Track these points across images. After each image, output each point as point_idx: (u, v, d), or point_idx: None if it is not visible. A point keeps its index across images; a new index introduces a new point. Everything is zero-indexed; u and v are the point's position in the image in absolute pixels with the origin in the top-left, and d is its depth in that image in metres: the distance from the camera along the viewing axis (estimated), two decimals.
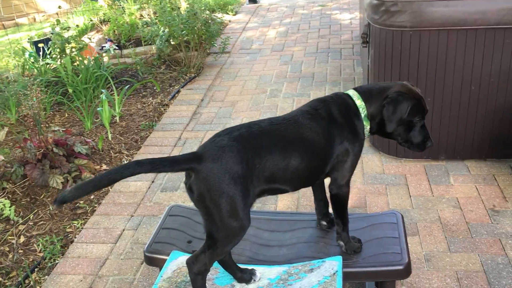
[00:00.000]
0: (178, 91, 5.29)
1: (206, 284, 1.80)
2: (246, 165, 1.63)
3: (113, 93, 4.73)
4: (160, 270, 1.97)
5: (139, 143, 4.24)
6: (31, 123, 3.77)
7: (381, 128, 1.94)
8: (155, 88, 5.35)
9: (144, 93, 5.29)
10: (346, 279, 1.97)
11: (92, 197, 3.49)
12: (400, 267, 1.94)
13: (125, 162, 3.93)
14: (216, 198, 1.60)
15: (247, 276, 1.86)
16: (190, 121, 4.59)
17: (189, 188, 1.65)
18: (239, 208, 1.61)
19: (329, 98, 1.94)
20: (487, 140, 3.48)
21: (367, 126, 1.91)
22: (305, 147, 1.76)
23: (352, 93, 1.93)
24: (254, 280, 1.85)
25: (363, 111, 1.89)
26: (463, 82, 3.33)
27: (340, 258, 1.91)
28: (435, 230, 2.90)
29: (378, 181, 3.43)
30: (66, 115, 4.78)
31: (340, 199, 1.94)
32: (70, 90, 4.84)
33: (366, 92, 1.93)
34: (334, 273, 1.82)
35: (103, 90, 4.54)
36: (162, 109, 4.90)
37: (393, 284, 2.02)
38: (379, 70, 3.52)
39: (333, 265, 1.86)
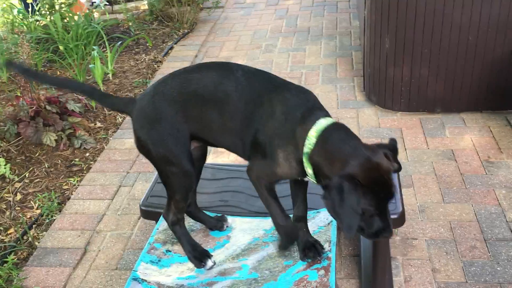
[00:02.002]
0: (171, 48, 5.20)
1: (202, 235, 1.82)
2: (173, 110, 1.56)
3: (105, 50, 4.64)
4: (156, 223, 1.98)
5: None
6: (23, 81, 3.72)
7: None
8: (147, 44, 5.25)
9: (136, 49, 5.20)
10: (340, 229, 1.99)
11: (87, 154, 3.48)
12: (394, 216, 1.95)
13: (120, 119, 3.90)
14: (145, 144, 1.59)
15: (219, 224, 1.88)
16: None
17: None
18: (173, 152, 1.57)
19: (304, 101, 1.55)
20: (483, 92, 3.46)
21: (307, 168, 1.48)
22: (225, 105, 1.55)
23: (323, 122, 1.47)
24: (227, 226, 1.88)
25: (307, 146, 1.45)
26: (461, 33, 3.27)
27: None
28: (429, 182, 2.92)
29: (373, 134, 3.42)
30: (58, 73, 4.71)
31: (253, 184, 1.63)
32: (61, 48, 4.75)
33: (331, 136, 1.44)
34: (328, 223, 1.84)
35: (94, 47, 4.46)
36: (155, 66, 4.82)
37: None
38: (376, 21, 3.45)
39: (327, 215, 1.87)
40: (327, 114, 1.52)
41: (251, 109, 1.51)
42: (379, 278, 2.15)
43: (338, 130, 1.47)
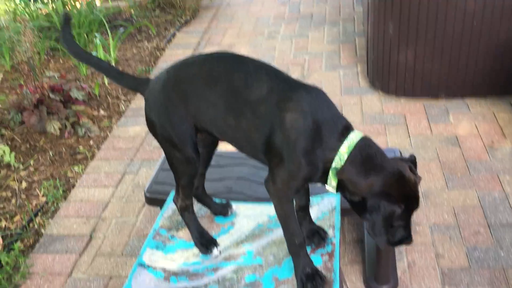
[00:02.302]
0: (174, 35, 5.18)
1: (207, 221, 1.83)
2: (172, 92, 1.55)
3: (108, 38, 4.63)
4: (160, 209, 1.99)
5: None
6: (26, 69, 3.72)
7: (356, 207, 1.43)
8: (150, 32, 5.23)
9: (139, 37, 5.18)
10: (344, 214, 1.99)
11: (91, 142, 3.49)
12: None
13: (123, 108, 3.90)
14: (153, 126, 1.59)
15: (224, 210, 1.89)
16: None
17: None
18: (176, 138, 1.56)
19: (333, 116, 1.44)
20: (488, 77, 3.44)
21: (331, 181, 1.43)
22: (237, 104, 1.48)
23: (353, 137, 1.41)
24: (231, 212, 1.88)
25: (336, 162, 1.39)
26: (465, 17, 3.24)
27: (338, 195, 1.93)
28: (433, 168, 2.92)
29: (377, 120, 3.42)
30: (61, 61, 4.70)
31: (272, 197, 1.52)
32: None
33: (361, 153, 1.39)
34: (332, 209, 1.84)
35: (97, 35, 4.44)
36: (158, 53, 4.81)
37: None
38: (379, 6, 3.43)
39: (331, 201, 1.87)
40: (350, 125, 1.47)
41: (264, 108, 1.44)
42: (383, 264, 2.16)
43: (369, 146, 1.43)
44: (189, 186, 1.67)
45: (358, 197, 1.40)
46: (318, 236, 1.67)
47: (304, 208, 1.68)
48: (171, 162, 1.63)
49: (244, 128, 1.48)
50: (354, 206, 1.44)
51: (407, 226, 1.42)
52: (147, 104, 1.60)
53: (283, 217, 1.52)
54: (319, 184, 1.51)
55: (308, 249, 1.64)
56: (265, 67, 1.53)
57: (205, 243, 1.69)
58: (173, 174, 1.66)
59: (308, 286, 1.48)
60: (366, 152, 1.41)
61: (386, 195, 1.35)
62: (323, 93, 1.46)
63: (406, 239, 1.44)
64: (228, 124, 1.51)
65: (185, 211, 1.71)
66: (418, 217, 2.58)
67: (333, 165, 1.40)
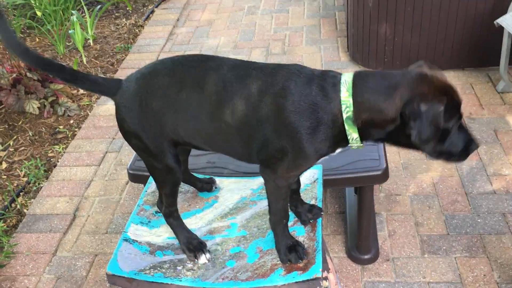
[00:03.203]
0: (152, 11, 5.10)
1: (191, 196, 1.84)
2: (146, 107, 1.41)
3: (84, 15, 4.54)
4: (144, 186, 2.00)
5: (115, 66, 4.14)
6: (1, 48, 3.64)
7: (393, 138, 1.31)
8: (127, 8, 5.14)
9: (117, 14, 5.09)
10: (326, 185, 2.03)
11: (71, 121, 3.45)
12: (378, 172, 2.00)
13: None
14: (127, 135, 1.47)
15: (207, 186, 1.87)
16: (166, 42, 4.47)
17: None
18: (155, 149, 1.44)
19: (309, 73, 1.33)
20: (465, 49, 3.48)
21: (351, 134, 1.30)
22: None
23: (346, 79, 1.29)
24: (215, 188, 1.88)
25: (346, 111, 1.26)
26: None
27: (320, 166, 1.95)
28: None
29: None
30: (37, 40, 4.61)
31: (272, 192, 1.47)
32: (39, 13, 4.63)
33: (365, 85, 1.27)
34: (314, 181, 1.87)
35: (73, 12, 4.35)
36: (136, 30, 4.74)
37: (371, 189, 2.09)
38: None
39: (313, 173, 1.90)
40: (337, 72, 1.35)
41: (252, 106, 1.32)
42: (364, 234, 2.22)
43: (368, 75, 1.30)
44: (172, 194, 1.57)
45: (392, 125, 1.25)
46: (316, 210, 1.66)
47: (296, 191, 1.65)
48: (151, 171, 1.53)
49: (234, 134, 1.37)
50: (396, 140, 1.30)
51: (463, 129, 1.28)
52: (119, 112, 1.45)
53: (279, 203, 1.48)
54: (338, 150, 1.38)
55: (291, 220, 1.67)
56: (238, 63, 1.40)
57: (193, 249, 1.58)
58: (155, 182, 1.58)
59: (292, 256, 1.51)
60: (369, 79, 1.28)
61: (421, 96, 1.20)
62: (300, 66, 1.36)
63: (471, 142, 1.30)
64: (215, 133, 1.39)
65: (170, 217, 1.62)
66: (398, 188, 2.63)
67: (344, 116, 1.27)
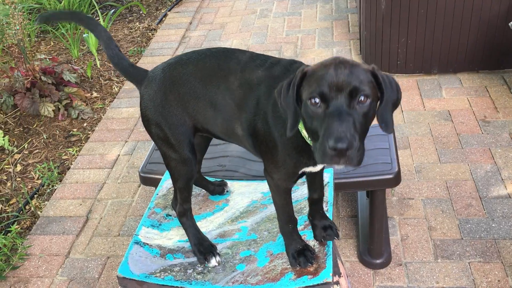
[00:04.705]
0: (165, 15, 5.13)
1: (202, 199, 1.84)
2: (170, 94, 1.49)
3: (98, 19, 4.58)
4: (155, 189, 2.01)
5: None
6: (17, 52, 3.68)
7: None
8: (141, 12, 5.18)
9: (130, 18, 5.13)
10: (338, 189, 2.02)
11: (85, 124, 3.49)
12: (390, 176, 1.98)
13: (116, 89, 3.89)
14: (148, 123, 1.54)
15: (219, 188, 1.89)
16: (179, 46, 4.50)
17: None
18: (173, 138, 1.51)
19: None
20: (480, 52, 3.44)
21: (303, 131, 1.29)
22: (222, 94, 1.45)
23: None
24: (227, 190, 1.89)
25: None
26: None
27: (331, 170, 1.95)
28: (426, 143, 2.94)
29: None
30: (52, 44, 4.66)
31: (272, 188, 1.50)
32: None
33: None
34: (325, 184, 1.86)
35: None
36: (150, 34, 4.78)
37: (383, 193, 2.08)
38: None
39: (325, 176, 1.89)
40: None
41: (243, 95, 1.40)
42: (376, 238, 2.20)
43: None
44: (187, 189, 1.60)
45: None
46: (331, 231, 1.60)
47: (317, 202, 1.62)
48: (167, 163, 1.58)
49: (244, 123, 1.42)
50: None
51: (334, 118, 1.10)
52: (143, 101, 1.55)
53: (280, 207, 1.51)
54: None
55: (301, 224, 1.66)
56: (258, 56, 1.46)
57: (204, 251, 1.59)
58: (170, 177, 1.62)
59: (301, 260, 1.50)
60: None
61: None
62: (300, 62, 1.46)
63: (330, 137, 1.08)
64: (230, 122, 1.44)
65: (183, 216, 1.65)
66: (411, 191, 2.61)
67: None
